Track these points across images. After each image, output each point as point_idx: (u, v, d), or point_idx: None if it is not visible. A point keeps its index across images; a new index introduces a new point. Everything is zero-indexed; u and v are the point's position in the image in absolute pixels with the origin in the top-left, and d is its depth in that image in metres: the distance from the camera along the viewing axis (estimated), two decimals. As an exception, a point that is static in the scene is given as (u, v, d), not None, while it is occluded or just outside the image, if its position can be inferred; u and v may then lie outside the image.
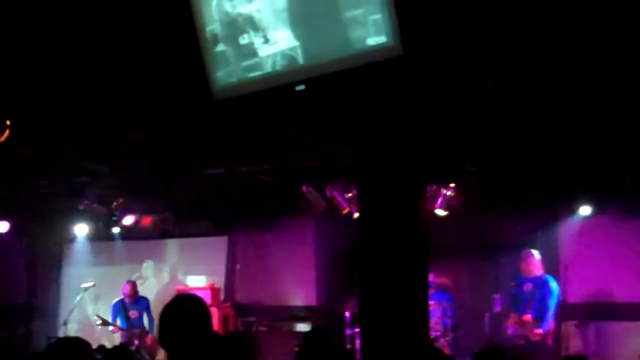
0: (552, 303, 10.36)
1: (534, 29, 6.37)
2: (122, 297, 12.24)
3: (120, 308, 12.18)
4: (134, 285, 12.46)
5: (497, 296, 11.40)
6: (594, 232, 11.37)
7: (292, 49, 6.39)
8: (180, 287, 12.81)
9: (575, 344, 11.02)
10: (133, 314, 12.12)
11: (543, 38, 6.50)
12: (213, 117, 8.45)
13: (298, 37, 6.29)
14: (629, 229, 11.16)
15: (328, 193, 11.35)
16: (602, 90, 7.63)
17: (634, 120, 8.42)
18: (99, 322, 12.10)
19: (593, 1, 6.03)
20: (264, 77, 6.69)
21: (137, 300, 12.25)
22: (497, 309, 11.38)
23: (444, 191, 10.98)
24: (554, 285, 10.47)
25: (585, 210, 11.23)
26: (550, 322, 10.34)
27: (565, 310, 10.84)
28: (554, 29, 6.35)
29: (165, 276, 14.09)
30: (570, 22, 6.22)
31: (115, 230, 13.32)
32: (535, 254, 10.63)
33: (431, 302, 10.53)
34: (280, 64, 6.55)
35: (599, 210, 11.20)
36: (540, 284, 10.49)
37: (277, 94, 6.81)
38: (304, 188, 11.40)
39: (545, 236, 11.63)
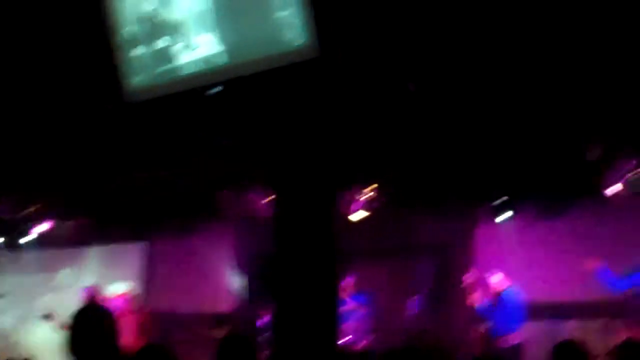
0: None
1: (457, 27, 6.39)
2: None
3: None
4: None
5: (415, 298, 11.46)
6: (511, 234, 11.45)
7: (213, 52, 6.29)
8: (98, 295, 12.45)
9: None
10: None
11: (465, 35, 6.52)
12: (129, 120, 8.24)
13: (219, 40, 6.19)
14: (547, 229, 11.34)
15: (247, 198, 11.21)
16: (521, 90, 7.69)
17: (544, 122, 8.52)
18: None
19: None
20: (181, 80, 6.58)
21: None
22: (416, 311, 11.44)
23: (364, 193, 10.93)
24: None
25: (502, 212, 11.33)
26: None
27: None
28: (476, 25, 6.38)
29: (83, 284, 13.71)
30: (491, 21, 6.23)
31: (28, 238, 12.94)
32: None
33: (349, 306, 10.72)
34: (198, 67, 6.45)
35: (516, 211, 11.31)
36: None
37: (193, 97, 6.69)
38: (223, 193, 11.22)
39: (464, 238, 11.75)
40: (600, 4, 5.91)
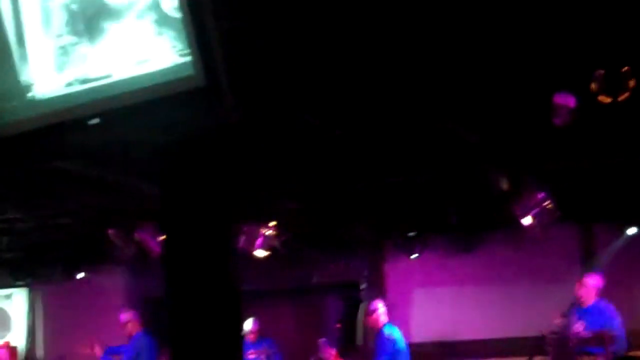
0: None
1: (354, 58, 6.03)
2: None
3: None
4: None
5: (323, 340, 10.98)
6: (420, 269, 11.38)
7: (93, 79, 5.66)
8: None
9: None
10: None
11: (363, 67, 6.17)
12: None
13: (101, 67, 5.60)
14: (455, 263, 11.25)
15: (137, 236, 10.53)
16: (427, 123, 7.41)
17: (454, 153, 8.25)
18: None
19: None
20: (57, 112, 5.90)
21: None
22: (324, 354, 10.95)
23: (264, 230, 10.44)
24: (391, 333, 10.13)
25: (412, 247, 11.11)
26: None
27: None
28: (371, 56, 6.04)
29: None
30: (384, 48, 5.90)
31: None
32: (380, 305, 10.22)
33: (255, 351, 10.45)
34: (76, 96, 5.80)
35: (425, 245, 11.13)
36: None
37: (71, 130, 6.03)
38: (110, 231, 10.49)
39: (372, 275, 11.53)
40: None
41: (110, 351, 10.67)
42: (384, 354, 9.86)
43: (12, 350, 12.00)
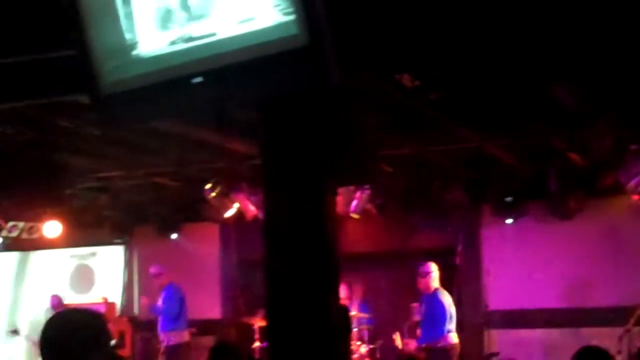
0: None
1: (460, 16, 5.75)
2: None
3: None
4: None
5: (415, 305, 10.87)
6: (517, 236, 11.19)
7: (197, 37, 5.67)
8: (70, 303, 11.93)
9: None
10: None
11: (468, 27, 5.87)
12: (103, 114, 7.57)
13: (206, 25, 5.59)
14: (554, 230, 11.03)
15: (234, 197, 10.60)
16: (527, 86, 7.21)
17: (558, 119, 8.08)
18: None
19: None
20: (160, 70, 5.95)
21: None
22: (417, 318, 10.79)
23: (359, 193, 10.38)
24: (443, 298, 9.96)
25: (508, 212, 10.95)
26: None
27: (487, 318, 10.74)
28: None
29: (54, 290, 13.11)
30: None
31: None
32: (434, 268, 10.05)
33: (348, 314, 10.18)
34: (180, 55, 5.82)
35: (523, 211, 10.91)
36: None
37: (174, 88, 6.06)
38: (208, 192, 10.56)
39: (467, 240, 11.36)
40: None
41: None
42: (439, 318, 9.72)
43: (109, 306, 12.20)
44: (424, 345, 9.79)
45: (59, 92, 7.20)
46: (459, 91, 7.39)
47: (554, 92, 7.29)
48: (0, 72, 6.88)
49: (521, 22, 5.90)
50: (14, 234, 11.70)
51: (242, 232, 11.45)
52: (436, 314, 9.75)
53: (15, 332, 11.98)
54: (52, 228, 11.29)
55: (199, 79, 5.82)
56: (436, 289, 9.87)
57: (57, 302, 11.97)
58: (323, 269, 7.04)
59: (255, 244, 8.18)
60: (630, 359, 9.25)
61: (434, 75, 6.99)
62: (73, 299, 12.63)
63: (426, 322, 9.88)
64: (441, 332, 9.64)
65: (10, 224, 11.52)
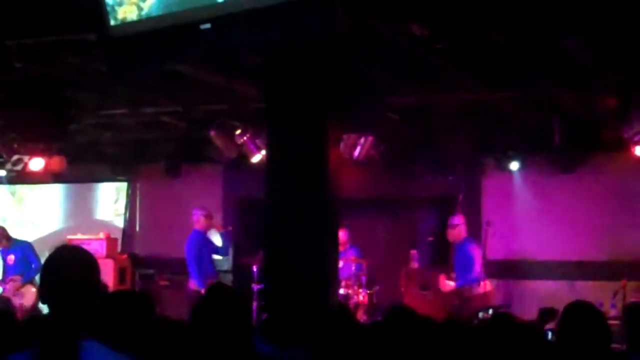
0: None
1: None
2: None
3: None
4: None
5: (414, 252, 11.16)
6: (519, 187, 11.25)
7: None
8: (71, 237, 11.90)
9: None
10: (10, 259, 11.18)
11: None
12: (110, 53, 7.56)
13: None
14: (556, 183, 11.05)
15: (238, 138, 10.59)
16: (534, 38, 7.18)
17: (562, 70, 8.04)
18: None
19: None
20: (169, 15, 5.99)
21: (14, 245, 11.28)
22: (414, 265, 11.13)
23: (363, 139, 10.36)
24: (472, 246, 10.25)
25: (510, 163, 11.03)
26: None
27: (485, 268, 10.51)
28: None
29: (56, 225, 13.16)
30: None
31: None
32: (463, 220, 10.38)
33: (344, 259, 10.27)
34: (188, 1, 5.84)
35: (525, 163, 11.00)
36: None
37: (182, 32, 6.10)
38: (212, 132, 10.57)
39: (469, 190, 11.37)
40: None
41: None
42: (471, 264, 9.95)
43: (111, 242, 12.12)
44: (459, 289, 10.07)
45: (68, 30, 7.20)
46: (467, 42, 7.33)
47: (562, 44, 7.26)
48: (9, 9, 6.87)
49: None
50: (19, 167, 11.67)
51: (244, 173, 11.38)
52: (467, 261, 10.06)
53: None
54: (56, 163, 11.26)
55: (207, 26, 5.84)
56: (465, 238, 10.24)
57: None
58: (323, 211, 7.11)
59: (258, 186, 8.27)
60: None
61: (443, 25, 6.95)
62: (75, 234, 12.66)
63: (459, 269, 10.18)
64: (476, 278, 9.94)
65: (15, 157, 11.48)
